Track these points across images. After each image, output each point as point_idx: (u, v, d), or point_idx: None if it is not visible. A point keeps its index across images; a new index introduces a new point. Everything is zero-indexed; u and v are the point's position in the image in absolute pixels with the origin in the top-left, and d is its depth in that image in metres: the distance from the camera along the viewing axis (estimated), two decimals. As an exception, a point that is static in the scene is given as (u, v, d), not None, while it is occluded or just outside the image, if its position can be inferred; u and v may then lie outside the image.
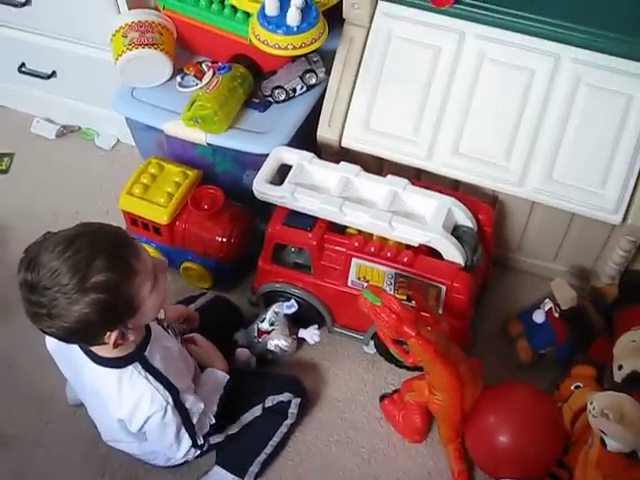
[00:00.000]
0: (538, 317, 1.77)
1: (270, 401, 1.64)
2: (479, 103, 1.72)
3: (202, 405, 1.51)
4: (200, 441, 1.55)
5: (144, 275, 1.31)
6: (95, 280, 1.24)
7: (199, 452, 1.59)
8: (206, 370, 1.62)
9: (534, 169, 1.70)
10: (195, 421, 1.51)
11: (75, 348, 1.43)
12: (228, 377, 1.61)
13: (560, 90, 1.67)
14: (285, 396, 1.65)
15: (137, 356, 1.42)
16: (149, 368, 1.42)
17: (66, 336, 1.31)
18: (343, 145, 1.82)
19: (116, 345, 1.33)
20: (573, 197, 1.68)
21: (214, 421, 1.57)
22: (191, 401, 1.49)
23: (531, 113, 1.69)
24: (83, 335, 1.31)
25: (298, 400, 1.67)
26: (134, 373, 1.41)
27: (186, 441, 1.52)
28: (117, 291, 1.26)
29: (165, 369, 1.44)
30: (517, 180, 1.71)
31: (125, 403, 1.44)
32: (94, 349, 1.42)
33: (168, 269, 1.93)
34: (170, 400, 1.43)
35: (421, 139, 1.76)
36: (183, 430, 1.50)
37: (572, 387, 1.65)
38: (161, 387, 1.42)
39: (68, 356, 1.47)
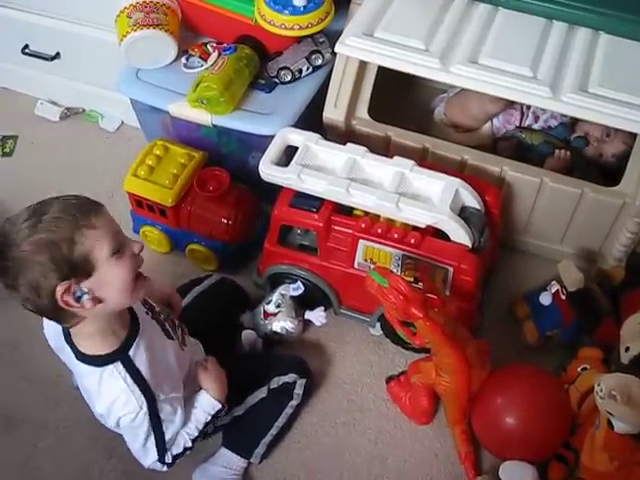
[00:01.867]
0: (545, 299, 1.77)
1: (275, 382, 1.64)
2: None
3: (178, 420, 1.46)
4: (168, 459, 1.49)
5: (102, 233, 1.27)
6: (48, 217, 1.23)
7: (166, 469, 1.51)
8: (202, 392, 1.54)
9: (566, 81, 1.61)
10: (167, 435, 1.45)
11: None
12: (220, 407, 1.53)
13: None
14: (290, 377, 1.65)
15: (120, 355, 1.38)
16: (130, 370, 1.38)
17: (29, 293, 1.25)
18: (337, 51, 1.70)
19: (65, 302, 1.26)
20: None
21: (190, 445, 1.51)
22: (167, 412, 1.43)
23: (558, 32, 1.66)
24: (38, 288, 1.24)
25: (303, 381, 1.67)
26: (114, 373, 1.37)
27: (152, 452, 1.46)
28: (67, 236, 1.23)
29: (149, 373, 1.40)
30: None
31: (103, 400, 1.41)
32: (77, 344, 1.39)
33: (174, 252, 1.97)
34: (144, 406, 1.38)
35: (434, 48, 1.65)
36: (152, 440, 1.44)
37: (579, 369, 1.65)
38: (137, 391, 1.37)
39: (62, 345, 1.46)
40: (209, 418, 1.52)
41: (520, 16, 1.69)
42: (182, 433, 1.50)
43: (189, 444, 1.51)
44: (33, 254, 1.22)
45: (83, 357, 1.40)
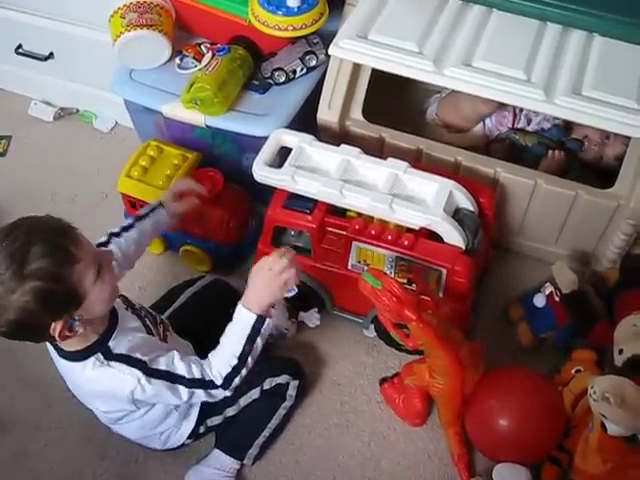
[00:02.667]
0: (539, 301, 1.77)
1: (268, 383, 1.63)
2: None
3: (177, 357, 1.44)
4: (218, 381, 1.44)
5: (85, 263, 1.29)
6: (33, 267, 1.22)
7: (229, 393, 1.47)
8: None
9: (560, 83, 1.59)
10: (183, 373, 1.43)
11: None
12: (254, 316, 1.44)
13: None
14: (283, 378, 1.65)
15: (98, 347, 1.40)
16: (111, 357, 1.40)
17: (13, 331, 1.28)
18: (330, 53, 1.68)
19: (63, 337, 1.31)
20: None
21: (236, 362, 1.44)
22: (164, 361, 1.42)
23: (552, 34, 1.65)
24: (28, 328, 1.28)
25: (296, 382, 1.67)
26: (96, 364, 1.39)
27: (183, 391, 1.43)
28: (56, 278, 1.24)
29: (131, 348, 1.41)
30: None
31: (102, 392, 1.44)
32: (59, 343, 1.40)
33: (167, 252, 1.96)
34: (139, 373, 1.39)
35: (428, 50, 1.64)
36: (174, 385, 1.43)
37: (573, 371, 1.65)
38: (125, 368, 1.39)
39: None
40: (249, 331, 1.45)
41: (514, 18, 1.68)
42: (218, 356, 1.46)
43: (234, 362, 1.45)
44: (26, 303, 1.23)
45: (64, 353, 1.42)
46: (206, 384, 1.45)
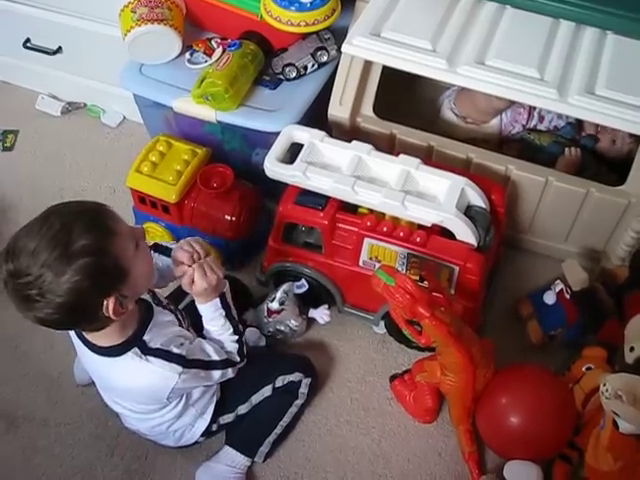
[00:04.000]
0: (549, 298, 1.77)
1: (280, 381, 1.63)
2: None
3: (206, 343, 1.50)
4: (236, 358, 1.54)
5: (124, 236, 1.30)
6: (78, 244, 1.22)
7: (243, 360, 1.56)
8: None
9: (573, 82, 1.60)
10: (216, 357, 1.49)
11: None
12: (216, 300, 1.51)
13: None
14: (295, 376, 1.65)
15: (135, 341, 1.41)
16: (148, 351, 1.41)
17: (64, 315, 1.26)
18: (343, 51, 1.68)
19: (117, 313, 1.30)
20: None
21: (236, 337, 1.54)
22: (197, 350, 1.47)
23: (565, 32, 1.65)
24: (80, 309, 1.27)
25: (308, 380, 1.66)
26: (134, 359, 1.40)
27: (216, 373, 1.50)
28: (102, 252, 1.25)
29: (167, 341, 1.43)
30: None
31: (141, 387, 1.45)
32: (92, 339, 1.41)
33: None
34: (179, 368, 1.42)
35: (441, 48, 1.64)
36: (209, 371, 1.49)
37: (583, 368, 1.65)
38: (166, 364, 1.41)
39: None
40: (223, 313, 1.53)
41: (527, 15, 1.68)
42: (222, 342, 1.54)
43: (235, 338, 1.55)
44: (77, 282, 1.22)
45: (99, 349, 1.42)
46: (232, 362, 1.54)
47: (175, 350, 1.42)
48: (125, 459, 1.68)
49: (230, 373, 1.54)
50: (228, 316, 1.54)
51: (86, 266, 1.22)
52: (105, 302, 1.28)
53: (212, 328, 1.54)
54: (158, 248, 1.60)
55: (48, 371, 1.80)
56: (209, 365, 1.48)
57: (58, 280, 1.21)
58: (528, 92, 1.58)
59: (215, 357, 1.49)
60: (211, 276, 1.46)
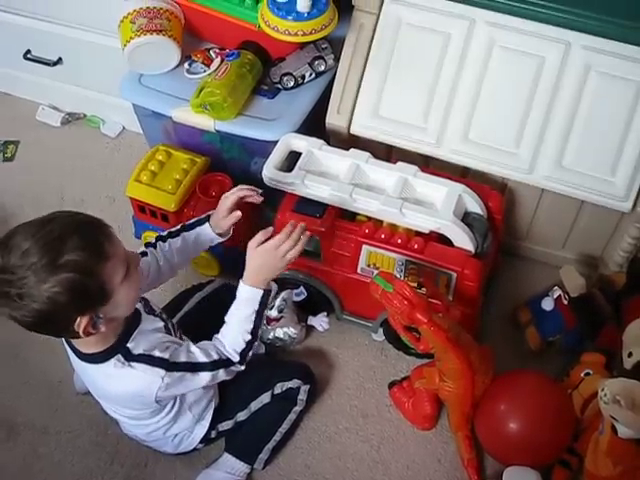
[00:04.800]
0: (547, 304, 1.77)
1: (279, 388, 1.64)
2: (489, 90, 1.71)
3: (192, 345, 1.47)
4: (235, 358, 1.49)
5: (116, 261, 1.30)
6: (67, 259, 1.23)
7: (243, 367, 1.52)
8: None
9: (544, 156, 1.70)
10: (204, 359, 1.46)
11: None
12: (260, 291, 1.50)
13: (570, 77, 1.66)
14: (294, 383, 1.65)
15: (118, 348, 1.41)
16: (131, 357, 1.41)
17: (36, 321, 1.27)
18: (352, 132, 1.81)
19: (87, 333, 1.31)
20: (583, 184, 1.68)
21: (249, 337, 1.50)
22: (183, 353, 1.45)
23: (541, 100, 1.68)
24: (52, 320, 1.28)
25: (307, 387, 1.67)
26: (117, 365, 1.40)
27: (205, 375, 1.47)
28: (88, 272, 1.25)
29: (151, 347, 1.42)
30: (527, 167, 1.71)
31: (125, 393, 1.46)
32: (77, 345, 1.42)
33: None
34: (161, 372, 1.41)
35: (430, 126, 1.75)
36: (196, 373, 1.47)
37: (582, 374, 1.66)
38: (148, 368, 1.41)
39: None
40: (257, 306, 1.50)
41: (507, 76, 1.71)
42: (230, 335, 1.50)
43: (248, 337, 1.50)
44: (56, 294, 1.23)
45: (84, 356, 1.43)
46: (225, 363, 1.49)
47: (157, 354, 1.41)
48: (125, 467, 1.69)
49: (222, 375, 1.49)
50: (258, 313, 1.50)
51: (69, 281, 1.23)
52: (78, 319, 1.29)
53: (237, 312, 1.50)
54: (160, 238, 1.63)
55: (48, 379, 1.81)
56: (196, 367, 1.45)
57: (39, 287, 1.22)
58: (504, 165, 1.72)
59: (202, 359, 1.46)
60: (293, 251, 1.50)
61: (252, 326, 1.50)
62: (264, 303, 1.51)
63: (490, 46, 1.70)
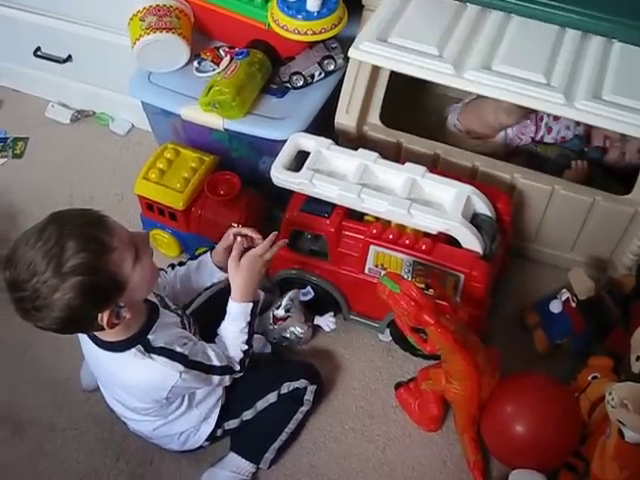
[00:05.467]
0: (555, 307, 1.77)
1: (285, 387, 1.63)
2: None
3: (209, 347, 1.50)
4: (236, 367, 1.53)
5: (121, 250, 1.30)
6: (71, 263, 1.23)
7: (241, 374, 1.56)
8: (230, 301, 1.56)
9: (580, 87, 1.60)
10: (217, 362, 1.49)
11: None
12: (250, 305, 1.55)
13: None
14: (301, 383, 1.65)
15: (139, 339, 1.42)
16: (151, 349, 1.42)
17: (62, 326, 1.30)
18: (350, 55, 1.69)
19: (111, 325, 1.32)
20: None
21: (246, 347, 1.55)
22: (199, 352, 1.48)
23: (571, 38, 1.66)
24: (76, 322, 1.31)
25: (314, 387, 1.66)
26: (137, 355, 1.41)
27: (215, 378, 1.51)
28: (95, 271, 1.26)
29: (171, 341, 1.44)
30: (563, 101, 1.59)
31: (141, 384, 1.46)
32: (97, 334, 1.43)
33: (184, 255, 1.97)
34: (180, 367, 1.43)
35: (448, 54, 1.65)
36: (209, 375, 1.50)
37: (589, 377, 1.65)
38: (168, 361, 1.42)
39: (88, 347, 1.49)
40: (249, 318, 1.55)
41: (533, 24, 1.68)
42: (227, 347, 1.54)
43: (245, 347, 1.55)
44: (70, 300, 1.25)
45: (103, 344, 1.43)
46: (231, 370, 1.53)
47: (178, 349, 1.43)
48: (130, 464, 1.68)
49: (227, 381, 1.55)
50: (250, 324, 1.55)
51: (79, 284, 1.24)
52: (100, 315, 1.31)
53: (231, 328, 1.55)
54: (170, 266, 1.69)
55: (55, 376, 1.81)
56: (210, 369, 1.49)
57: (52, 297, 1.24)
58: (535, 97, 1.58)
59: (216, 362, 1.50)
60: (271, 252, 1.55)
61: (247, 337, 1.55)
62: (255, 313, 1.57)
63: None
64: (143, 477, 1.67)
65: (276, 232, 1.62)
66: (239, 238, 1.61)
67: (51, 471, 1.69)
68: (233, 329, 1.55)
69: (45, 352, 1.84)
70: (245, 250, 1.57)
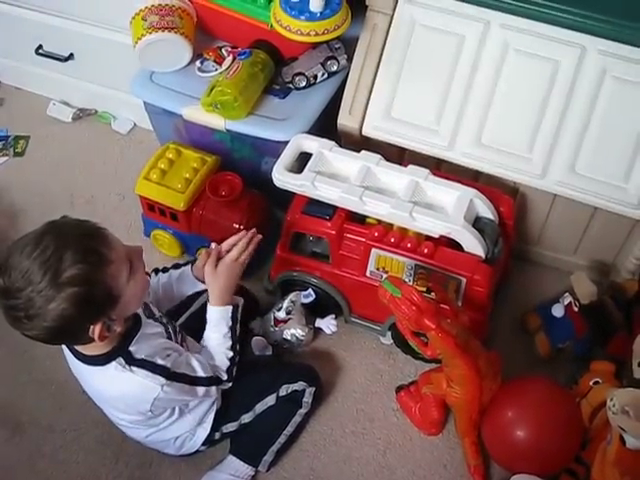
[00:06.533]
0: (557, 311, 1.76)
1: (284, 390, 1.63)
2: (503, 93, 1.70)
3: (193, 358, 1.49)
4: (224, 376, 1.53)
5: (118, 263, 1.30)
6: (68, 274, 1.23)
7: (230, 384, 1.56)
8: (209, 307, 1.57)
9: (557, 162, 1.68)
10: (202, 373, 1.48)
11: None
12: (229, 308, 1.56)
13: (585, 82, 1.64)
14: (299, 385, 1.64)
15: (120, 351, 1.40)
16: (132, 361, 1.40)
17: (50, 337, 1.29)
18: (364, 134, 1.79)
19: (102, 338, 1.32)
20: (596, 191, 1.66)
21: (232, 354, 1.55)
22: (183, 364, 1.46)
23: (555, 105, 1.67)
24: (66, 333, 1.31)
25: (312, 389, 1.66)
26: (118, 369, 1.40)
27: (200, 390, 1.50)
28: (92, 283, 1.25)
29: (153, 353, 1.43)
30: (540, 172, 1.69)
31: (122, 397, 1.46)
32: (78, 347, 1.42)
33: (185, 255, 1.96)
34: (162, 380, 1.41)
35: (443, 129, 1.74)
36: (193, 386, 1.48)
37: (591, 382, 1.64)
38: (149, 374, 1.41)
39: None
40: (230, 322, 1.55)
41: (523, 70, 1.69)
42: (213, 355, 1.54)
43: (230, 354, 1.55)
44: (64, 310, 1.24)
45: (84, 358, 1.42)
46: (218, 380, 1.53)
47: (160, 361, 1.42)
48: (129, 466, 1.68)
49: (213, 392, 1.53)
50: (232, 330, 1.56)
51: (75, 295, 1.23)
52: (92, 327, 1.30)
53: (213, 335, 1.55)
54: (154, 271, 1.67)
55: (54, 377, 1.80)
56: (194, 381, 1.47)
57: (46, 307, 1.23)
58: (516, 169, 1.71)
59: (201, 373, 1.48)
60: (247, 253, 1.58)
61: (231, 342, 1.56)
62: (235, 318, 1.57)
63: (504, 49, 1.68)
64: (142, 479, 1.66)
65: (250, 230, 1.64)
66: (213, 244, 1.61)
67: (50, 472, 1.68)
68: (216, 336, 1.55)
69: (44, 353, 1.83)
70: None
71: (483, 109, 1.71)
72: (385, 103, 1.77)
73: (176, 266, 1.69)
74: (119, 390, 1.43)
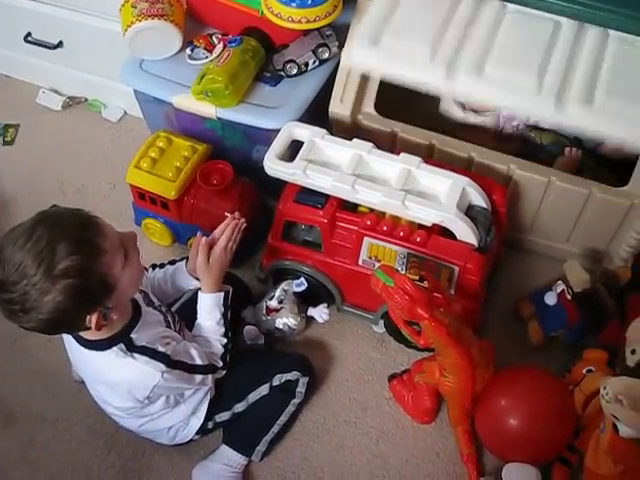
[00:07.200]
0: (550, 299, 1.75)
1: (277, 380, 1.63)
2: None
3: (191, 347, 1.49)
4: (218, 364, 1.55)
5: (112, 252, 1.29)
6: (62, 266, 1.22)
7: (224, 371, 1.57)
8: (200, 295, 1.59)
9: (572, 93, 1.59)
10: (199, 362, 1.49)
11: None
12: (222, 294, 1.58)
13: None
14: (293, 375, 1.64)
15: (121, 337, 1.41)
16: (133, 348, 1.41)
17: (48, 328, 1.29)
18: (343, 64, 1.73)
19: (99, 327, 1.32)
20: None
21: (225, 340, 1.57)
22: (182, 352, 1.47)
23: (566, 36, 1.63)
24: (63, 324, 1.31)
25: (306, 379, 1.65)
26: (119, 354, 1.40)
27: (198, 378, 1.50)
28: (87, 273, 1.25)
29: (153, 340, 1.43)
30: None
31: (122, 382, 1.45)
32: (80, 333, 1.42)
33: (177, 244, 1.95)
34: (162, 367, 1.41)
35: (439, 59, 1.64)
36: (191, 374, 1.49)
37: (584, 370, 1.64)
38: (150, 361, 1.41)
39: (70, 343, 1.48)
40: (222, 309, 1.58)
41: (528, 17, 1.66)
42: (207, 343, 1.56)
43: (224, 341, 1.58)
44: (60, 303, 1.23)
45: (86, 342, 1.42)
46: (214, 368, 1.54)
47: (160, 348, 1.42)
48: (122, 456, 1.68)
49: (209, 380, 1.54)
50: (224, 316, 1.56)
51: (70, 287, 1.23)
52: (88, 317, 1.29)
53: (206, 323, 1.56)
54: (151, 266, 1.68)
55: (46, 367, 1.80)
56: (192, 369, 1.48)
57: (41, 299, 1.22)
58: (526, 103, 1.60)
59: (199, 361, 1.49)
60: (233, 239, 1.60)
61: (224, 329, 1.58)
62: (227, 305, 1.59)
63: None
64: (134, 469, 1.66)
65: (233, 215, 1.64)
66: (203, 239, 1.60)
67: (42, 462, 1.68)
68: (209, 323, 1.56)
69: (35, 342, 1.82)
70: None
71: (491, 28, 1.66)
72: (374, 30, 1.67)
73: (172, 262, 1.69)
74: (119, 375, 1.43)
